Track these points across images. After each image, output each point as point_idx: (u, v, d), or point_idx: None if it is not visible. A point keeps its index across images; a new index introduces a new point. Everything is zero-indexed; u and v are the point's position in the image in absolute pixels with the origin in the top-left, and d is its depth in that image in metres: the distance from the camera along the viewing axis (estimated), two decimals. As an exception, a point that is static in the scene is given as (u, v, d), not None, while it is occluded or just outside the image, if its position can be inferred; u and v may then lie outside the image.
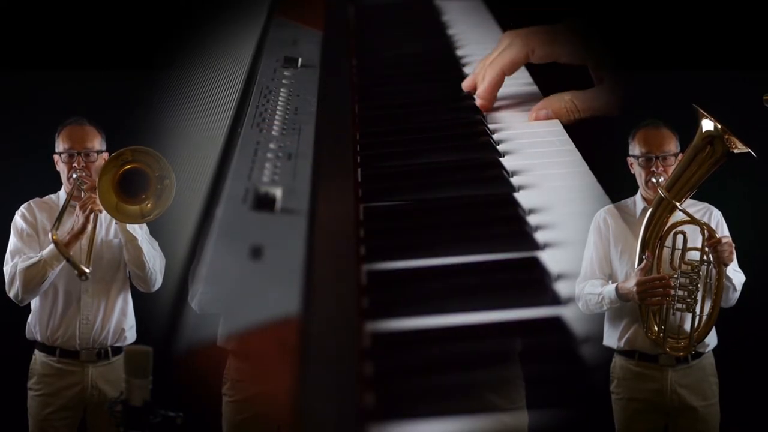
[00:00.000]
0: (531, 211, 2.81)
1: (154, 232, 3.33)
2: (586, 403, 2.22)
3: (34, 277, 3.24)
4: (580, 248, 2.83)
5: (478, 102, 3.45)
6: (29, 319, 3.35)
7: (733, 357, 3.28)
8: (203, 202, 2.56)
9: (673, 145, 3.19)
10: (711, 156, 3.01)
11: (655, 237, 3.05)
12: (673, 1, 3.71)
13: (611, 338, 3.17)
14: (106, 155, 3.32)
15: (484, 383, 2.24)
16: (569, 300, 2.47)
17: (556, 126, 3.32)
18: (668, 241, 3.07)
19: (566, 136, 3.25)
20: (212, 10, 3.68)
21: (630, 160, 3.24)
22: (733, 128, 2.98)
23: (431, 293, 2.51)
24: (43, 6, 3.83)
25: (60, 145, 3.35)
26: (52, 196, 3.40)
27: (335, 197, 2.77)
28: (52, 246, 3.20)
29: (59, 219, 3.22)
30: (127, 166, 3.13)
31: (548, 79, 3.53)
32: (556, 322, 2.39)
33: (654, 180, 3.14)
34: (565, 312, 2.42)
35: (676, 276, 3.05)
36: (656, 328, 3.07)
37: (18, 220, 3.34)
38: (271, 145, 2.73)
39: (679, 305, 3.05)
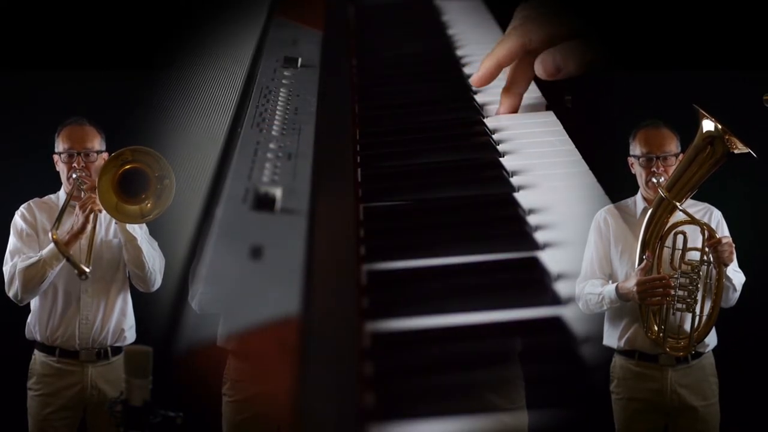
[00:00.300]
0: (531, 211, 2.80)
1: (154, 232, 3.33)
2: (586, 403, 2.22)
3: (33, 276, 3.24)
4: (580, 248, 2.82)
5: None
6: (29, 319, 3.35)
7: (733, 357, 3.28)
8: (203, 202, 2.55)
9: (673, 146, 3.19)
10: (711, 156, 3.00)
11: (655, 237, 3.05)
12: (673, 1, 3.71)
13: (611, 338, 3.17)
14: (105, 155, 3.32)
15: (484, 383, 2.23)
16: (569, 300, 2.47)
17: (557, 126, 3.32)
18: (668, 241, 3.07)
19: (566, 136, 3.24)
20: (212, 10, 3.67)
21: (630, 160, 3.24)
22: (734, 128, 2.98)
23: (431, 293, 2.50)
24: (43, 6, 3.83)
25: (60, 145, 3.36)
26: (52, 196, 3.40)
27: (335, 197, 2.76)
28: (51, 245, 3.20)
29: (59, 219, 3.23)
30: (127, 166, 3.13)
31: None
32: (556, 322, 2.38)
33: (654, 180, 3.14)
34: (565, 312, 2.41)
35: (676, 276, 3.05)
36: (656, 328, 3.07)
37: (18, 220, 3.34)
38: (271, 145, 2.73)
39: (679, 305, 3.06)
